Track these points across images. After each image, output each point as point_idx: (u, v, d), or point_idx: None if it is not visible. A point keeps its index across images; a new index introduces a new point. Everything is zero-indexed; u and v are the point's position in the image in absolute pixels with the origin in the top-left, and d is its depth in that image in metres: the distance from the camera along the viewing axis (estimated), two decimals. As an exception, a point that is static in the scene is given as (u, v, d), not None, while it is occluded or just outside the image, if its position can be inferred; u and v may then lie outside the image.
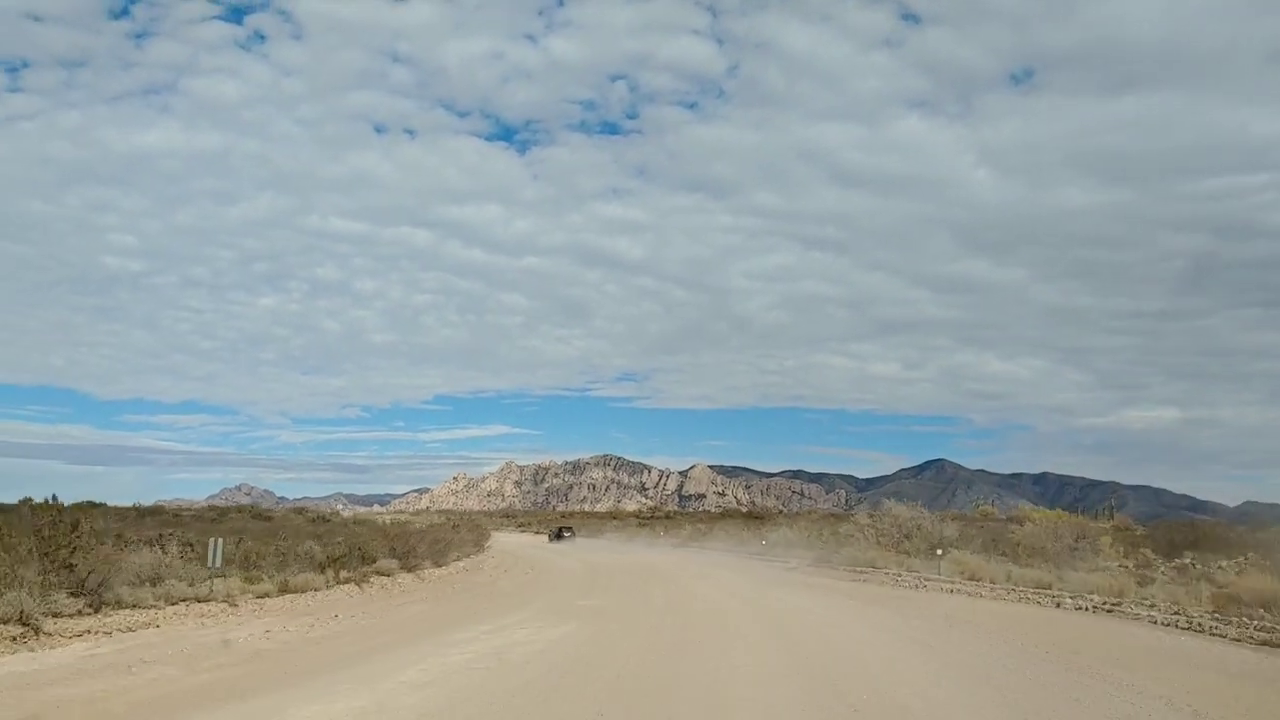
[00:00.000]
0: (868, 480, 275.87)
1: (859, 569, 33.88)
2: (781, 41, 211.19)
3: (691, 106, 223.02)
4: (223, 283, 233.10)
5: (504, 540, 68.65)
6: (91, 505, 36.90)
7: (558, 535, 77.07)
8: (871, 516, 42.88)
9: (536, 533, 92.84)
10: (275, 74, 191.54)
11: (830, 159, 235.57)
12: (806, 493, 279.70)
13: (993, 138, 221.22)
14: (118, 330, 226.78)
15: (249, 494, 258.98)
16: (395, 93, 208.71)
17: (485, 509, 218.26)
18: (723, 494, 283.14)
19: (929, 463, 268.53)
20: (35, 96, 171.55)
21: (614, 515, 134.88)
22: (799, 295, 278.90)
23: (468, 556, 40.15)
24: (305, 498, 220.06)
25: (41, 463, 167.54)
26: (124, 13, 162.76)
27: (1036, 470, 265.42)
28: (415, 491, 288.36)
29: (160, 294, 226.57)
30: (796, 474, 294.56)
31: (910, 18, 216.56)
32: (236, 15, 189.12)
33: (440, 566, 32.50)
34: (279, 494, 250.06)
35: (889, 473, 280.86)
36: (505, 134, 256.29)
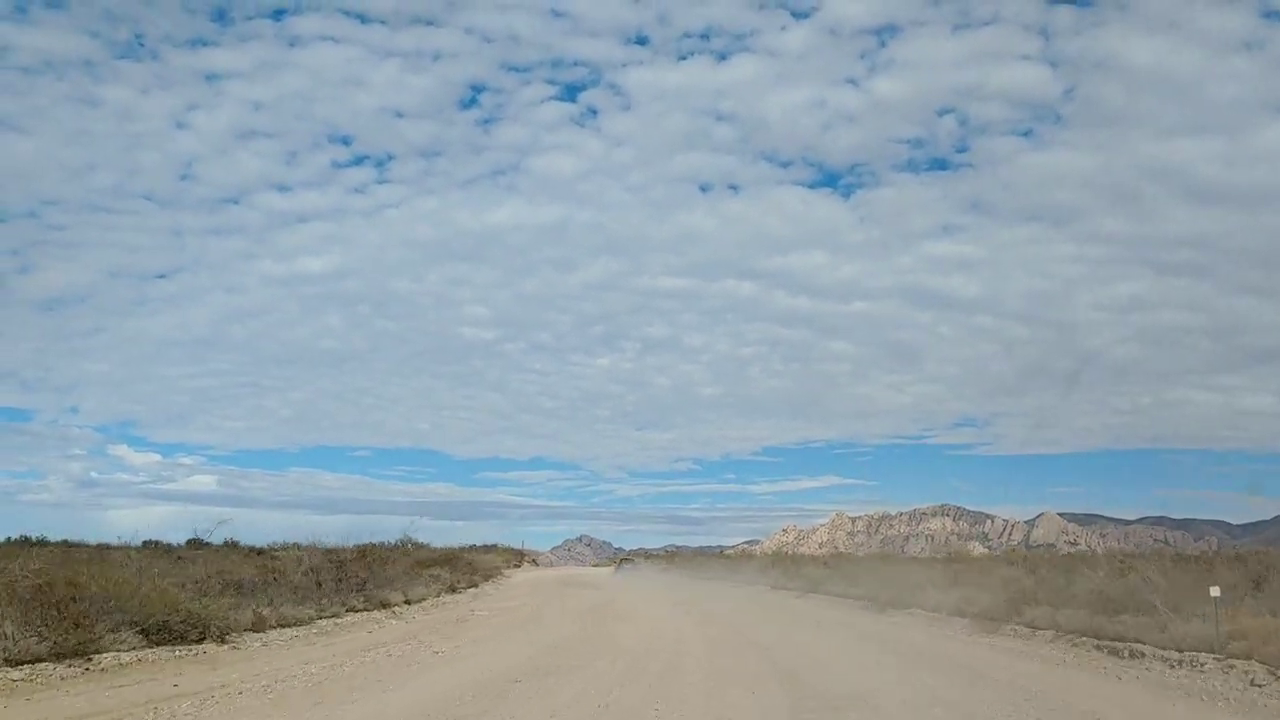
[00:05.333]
0: (1243, 526, 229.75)
1: None
2: (1122, 56, 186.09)
3: (1026, 134, 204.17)
4: (563, 345, 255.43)
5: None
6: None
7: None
8: None
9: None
10: (607, 146, 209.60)
11: (1183, 176, 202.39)
12: (1171, 541, 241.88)
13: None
14: (473, 394, 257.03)
15: (589, 545, 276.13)
16: (718, 150, 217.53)
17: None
18: (1075, 544, 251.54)
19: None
20: (400, 186, 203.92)
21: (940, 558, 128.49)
22: (1154, 326, 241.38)
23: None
24: (640, 548, 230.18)
25: (411, 519, 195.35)
26: (473, 102, 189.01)
27: None
28: (746, 543, 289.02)
29: (509, 359, 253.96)
30: (1159, 521, 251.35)
31: (1274, 15, 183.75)
32: (571, 94, 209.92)
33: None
34: (616, 545, 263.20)
35: (1268, 517, 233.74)
36: (829, 180, 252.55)
